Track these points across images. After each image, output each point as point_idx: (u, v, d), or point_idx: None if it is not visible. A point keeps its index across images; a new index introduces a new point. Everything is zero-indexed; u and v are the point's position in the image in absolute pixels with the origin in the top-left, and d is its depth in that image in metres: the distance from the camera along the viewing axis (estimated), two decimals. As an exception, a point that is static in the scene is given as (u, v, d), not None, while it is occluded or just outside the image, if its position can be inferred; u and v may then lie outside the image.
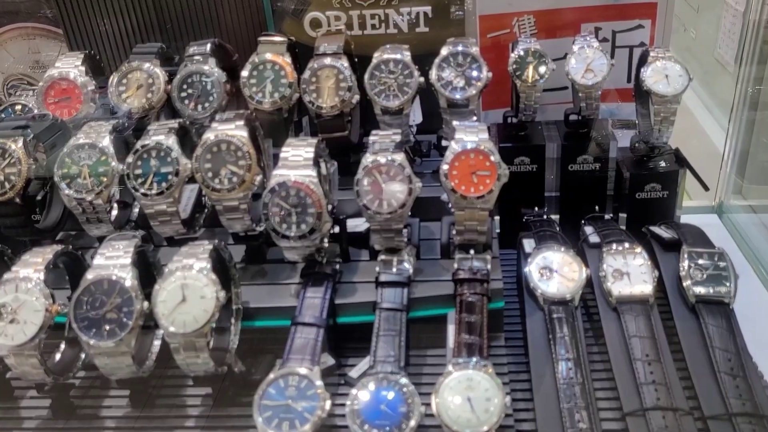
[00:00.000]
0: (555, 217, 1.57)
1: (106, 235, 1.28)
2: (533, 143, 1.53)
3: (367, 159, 1.18)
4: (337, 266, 1.23)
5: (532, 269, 1.26)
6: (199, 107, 1.40)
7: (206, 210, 1.35)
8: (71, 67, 1.44)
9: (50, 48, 1.83)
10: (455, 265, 1.20)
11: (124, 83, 1.41)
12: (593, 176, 1.53)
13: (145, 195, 1.19)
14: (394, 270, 1.20)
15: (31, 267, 1.04)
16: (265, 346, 1.22)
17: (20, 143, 1.23)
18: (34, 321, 1.01)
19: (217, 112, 1.38)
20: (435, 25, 1.63)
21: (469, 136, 1.20)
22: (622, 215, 1.56)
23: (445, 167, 1.18)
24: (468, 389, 1.00)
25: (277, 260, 1.31)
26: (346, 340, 1.23)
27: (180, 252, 1.07)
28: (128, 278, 1.02)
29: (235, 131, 1.20)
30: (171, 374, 1.19)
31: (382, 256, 1.23)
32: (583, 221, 1.46)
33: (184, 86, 1.40)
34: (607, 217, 1.53)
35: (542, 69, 1.46)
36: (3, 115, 1.51)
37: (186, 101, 1.40)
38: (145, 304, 1.02)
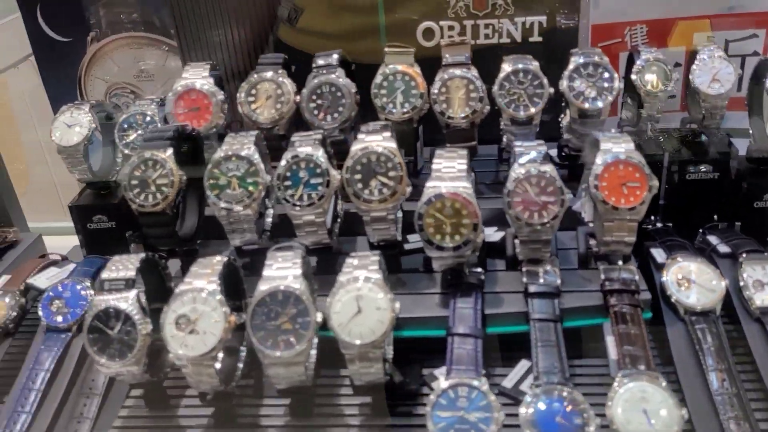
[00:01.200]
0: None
1: (244, 245, 1.31)
2: (652, 152, 1.53)
3: (517, 170, 1.19)
4: (482, 276, 1.23)
5: (670, 279, 1.26)
6: (329, 117, 1.40)
7: (339, 219, 1.36)
8: (199, 77, 1.45)
9: (154, 57, 1.84)
10: (602, 276, 1.21)
11: (253, 94, 1.42)
12: (711, 185, 1.53)
13: (296, 206, 1.20)
14: (542, 280, 1.21)
15: (204, 278, 1.05)
16: (410, 355, 1.23)
17: (169, 153, 1.25)
18: (213, 332, 1.02)
19: (347, 122, 1.40)
20: (548, 34, 1.64)
21: (617, 147, 1.21)
22: (738, 224, 1.56)
23: (594, 178, 1.19)
24: (642, 401, 1.00)
25: (412, 269, 1.32)
26: (489, 350, 1.24)
27: (348, 263, 1.08)
28: (302, 289, 1.03)
29: (383, 142, 1.21)
30: (320, 383, 1.20)
31: (526, 267, 1.23)
32: (701, 230, 1.46)
33: (314, 96, 1.41)
34: (720, 226, 1.53)
35: (666, 78, 1.46)
36: (125, 126, 1.53)
37: (315, 112, 1.41)
38: (319, 314, 1.03)
